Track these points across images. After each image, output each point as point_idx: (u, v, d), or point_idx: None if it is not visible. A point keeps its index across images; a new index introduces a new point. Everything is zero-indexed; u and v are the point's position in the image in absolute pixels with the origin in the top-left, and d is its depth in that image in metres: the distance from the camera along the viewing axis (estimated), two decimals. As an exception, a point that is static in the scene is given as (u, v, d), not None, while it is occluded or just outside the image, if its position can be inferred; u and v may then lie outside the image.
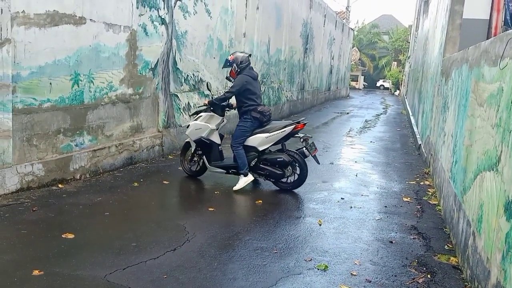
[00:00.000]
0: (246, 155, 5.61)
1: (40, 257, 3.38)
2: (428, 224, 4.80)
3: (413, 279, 3.48)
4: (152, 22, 6.79)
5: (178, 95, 7.83)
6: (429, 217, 5.05)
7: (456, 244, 4.06)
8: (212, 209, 4.84)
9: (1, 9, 4.37)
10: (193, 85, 8.32)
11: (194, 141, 5.82)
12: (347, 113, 17.53)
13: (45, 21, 4.89)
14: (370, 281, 3.39)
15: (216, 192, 5.53)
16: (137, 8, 6.39)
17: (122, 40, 6.16)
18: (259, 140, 5.63)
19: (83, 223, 4.18)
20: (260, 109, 5.62)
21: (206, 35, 8.59)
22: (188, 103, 8.18)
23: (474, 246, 3.32)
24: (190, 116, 6.31)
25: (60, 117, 5.27)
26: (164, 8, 7.05)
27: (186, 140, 6.08)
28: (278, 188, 5.79)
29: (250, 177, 5.62)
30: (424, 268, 3.68)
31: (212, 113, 5.84)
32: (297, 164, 5.69)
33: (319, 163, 6.00)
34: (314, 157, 5.75)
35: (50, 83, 5.06)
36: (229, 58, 5.81)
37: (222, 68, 6.10)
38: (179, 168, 6.62)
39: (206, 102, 6.07)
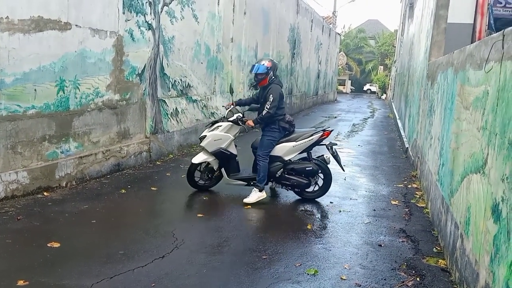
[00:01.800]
0: (270, 166, 5.39)
1: (25, 267, 3.31)
2: (416, 227, 4.82)
3: (403, 282, 3.48)
4: (139, 27, 6.75)
5: (166, 101, 7.79)
6: (417, 220, 5.07)
7: (444, 247, 4.08)
8: (200, 215, 4.81)
9: (-16, 15, 4.30)
10: (180, 90, 8.29)
11: (212, 152, 5.45)
12: (335, 117, 17.62)
13: (29, 27, 4.82)
14: (360, 285, 3.39)
15: (204, 198, 5.49)
16: (124, 13, 6.35)
17: (109, 46, 6.11)
18: (285, 149, 5.45)
19: (69, 231, 4.11)
20: (288, 119, 5.49)
21: (194, 40, 8.57)
22: (176, 108, 8.14)
23: (462, 248, 3.34)
24: (205, 127, 5.85)
25: (45, 124, 5.19)
26: (151, 13, 7.02)
27: (193, 161, 5.57)
28: (268, 194, 5.77)
29: (264, 194, 5.37)
30: (413, 271, 3.69)
31: (231, 123, 5.51)
32: (321, 172, 5.61)
33: (344, 170, 6.01)
34: (340, 164, 5.74)
35: (35, 90, 4.99)
36: (266, 64, 5.34)
37: (257, 73, 5.34)
38: (167, 174, 6.57)
39: (230, 106, 5.68)
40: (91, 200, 5.05)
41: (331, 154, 5.66)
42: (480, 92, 3.24)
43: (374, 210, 5.38)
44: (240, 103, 5.78)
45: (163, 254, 3.73)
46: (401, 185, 6.66)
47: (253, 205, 5.27)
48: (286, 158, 5.47)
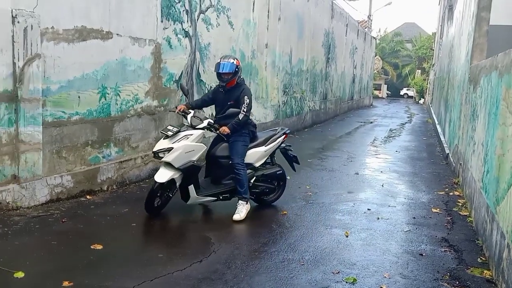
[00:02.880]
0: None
1: (69, 268, 3.42)
2: (460, 236, 4.65)
3: (446, 293, 3.37)
4: (176, 35, 6.89)
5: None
6: (460, 228, 4.90)
7: (489, 257, 3.92)
8: (237, 220, 4.83)
9: (31, 25, 4.50)
10: (216, 96, 8.38)
11: (180, 167, 4.60)
12: (371, 122, 17.33)
13: (73, 36, 5.02)
14: (401, 295, 3.30)
15: (240, 203, 5.51)
16: (162, 21, 6.50)
17: (147, 53, 6.26)
18: (258, 155, 5.09)
19: (111, 234, 4.22)
20: (253, 122, 5.15)
21: (229, 46, 8.66)
22: (212, 114, 8.22)
23: (509, 259, 3.20)
24: (161, 133, 4.83)
25: (88, 130, 5.37)
26: (187, 21, 7.15)
27: (160, 181, 4.58)
28: (303, 200, 5.73)
29: (249, 205, 4.95)
30: (457, 282, 3.56)
31: (202, 131, 4.80)
32: None
33: (295, 171, 5.75)
34: (293, 165, 5.61)
35: (79, 97, 5.17)
36: (235, 62, 4.87)
37: (228, 72, 4.82)
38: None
39: (186, 110, 4.96)
40: (131, 204, 5.17)
41: (288, 155, 5.50)
42: (529, 96, 3.10)
43: (414, 218, 5.24)
44: (193, 105, 5.11)
45: (201, 258, 3.77)
46: (442, 193, 6.46)
47: (290, 211, 5.24)
48: (257, 165, 5.14)
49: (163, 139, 4.68)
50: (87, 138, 5.36)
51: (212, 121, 4.82)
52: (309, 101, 14.43)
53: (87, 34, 5.20)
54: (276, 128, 5.76)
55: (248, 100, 4.83)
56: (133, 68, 6.00)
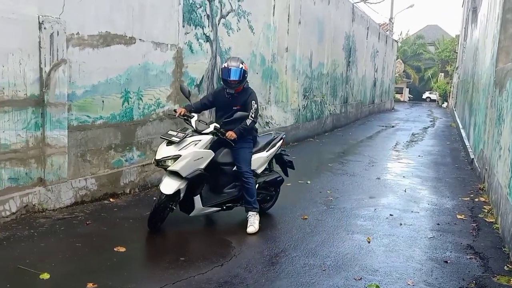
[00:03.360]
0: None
1: (93, 270, 3.47)
2: (485, 243, 4.54)
3: (472, 302, 3.28)
4: (198, 39, 6.96)
5: (223, 111, 7.93)
6: (486, 235, 4.78)
7: (517, 265, 3.81)
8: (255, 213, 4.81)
9: (57, 31, 4.61)
10: (237, 100, 8.41)
11: (188, 176, 4.25)
12: (393, 126, 17.10)
13: (98, 42, 5.12)
14: (425, 303, 3.24)
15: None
16: (183, 26, 6.57)
17: (169, 58, 6.34)
18: (260, 161, 4.86)
19: (134, 236, 4.27)
20: (255, 126, 4.90)
21: (249, 51, 8.69)
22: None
23: (539, 268, 3.10)
24: (162, 138, 4.43)
25: (112, 133, 5.46)
26: (208, 26, 7.21)
27: (167, 192, 4.20)
28: (324, 205, 5.69)
29: (258, 215, 4.69)
30: (484, 291, 3.47)
31: (211, 136, 4.47)
32: None
33: (287, 176, 5.41)
34: (287, 170, 5.39)
35: (103, 101, 5.27)
36: (244, 67, 4.59)
37: (238, 79, 4.54)
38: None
39: (185, 113, 4.56)
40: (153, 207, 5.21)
41: (283, 160, 5.26)
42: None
43: (438, 224, 5.13)
44: (192, 109, 4.73)
45: (222, 262, 3.78)
46: (467, 198, 6.31)
47: (311, 216, 5.21)
48: (259, 171, 4.90)
49: (166, 145, 4.29)
50: (110, 142, 5.45)
51: (218, 126, 4.50)
52: (329, 105, 14.34)
53: (111, 39, 5.29)
54: (271, 132, 5.61)
55: (255, 105, 4.61)
56: (155, 73, 6.08)
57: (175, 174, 4.24)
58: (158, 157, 4.26)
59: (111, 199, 5.36)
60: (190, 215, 4.49)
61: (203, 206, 4.49)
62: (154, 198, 4.29)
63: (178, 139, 4.23)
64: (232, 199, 4.73)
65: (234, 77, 4.53)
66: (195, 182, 4.34)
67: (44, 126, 4.60)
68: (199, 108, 4.85)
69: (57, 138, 4.72)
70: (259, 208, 4.75)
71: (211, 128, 4.46)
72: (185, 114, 4.58)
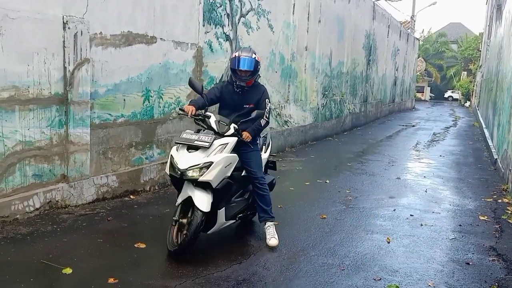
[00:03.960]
0: (248, 187, 4.28)
1: (114, 266, 3.54)
2: (509, 245, 4.45)
3: (495, 305, 3.22)
4: (217, 38, 6.99)
5: (242, 109, 7.95)
6: (509, 237, 4.68)
7: (543, 269, 3.72)
8: (276, 223, 4.81)
9: (81, 31, 4.70)
10: (256, 99, 8.42)
11: (218, 188, 3.72)
12: (413, 126, 16.86)
13: (120, 41, 5.19)
14: (446, 305, 3.19)
15: (279, 206, 5.50)
16: (203, 25, 6.61)
17: (189, 57, 6.38)
18: (263, 164, 4.42)
19: (154, 233, 4.32)
20: None
21: (269, 49, 8.69)
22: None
23: None
24: (178, 143, 3.90)
25: (132, 132, 5.54)
26: (228, 25, 7.23)
27: (206, 210, 3.64)
28: (343, 205, 5.66)
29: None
30: (507, 293, 3.40)
31: (236, 138, 3.94)
32: None
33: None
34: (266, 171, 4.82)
35: (124, 100, 5.34)
36: (257, 57, 4.10)
37: (250, 70, 4.05)
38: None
39: (198, 112, 3.99)
40: (172, 205, 5.19)
41: (268, 160, 4.70)
42: None
43: (460, 225, 5.05)
44: (199, 105, 4.11)
45: (241, 260, 3.80)
46: (490, 199, 6.19)
47: (329, 215, 5.18)
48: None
49: (188, 151, 3.72)
50: (131, 140, 5.53)
51: (236, 126, 3.97)
52: (349, 103, 14.23)
53: (133, 39, 5.36)
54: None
55: (269, 105, 4.19)
56: (176, 72, 6.13)
57: (201, 185, 3.66)
58: (183, 166, 3.61)
59: (131, 196, 5.44)
60: (208, 232, 3.92)
61: (226, 220, 4.00)
62: (175, 218, 3.74)
63: (207, 144, 3.69)
64: (244, 208, 4.28)
65: (246, 66, 4.01)
66: (223, 193, 3.81)
67: (68, 124, 4.69)
68: (208, 105, 4.16)
69: (80, 136, 4.81)
70: (246, 217, 4.45)
71: (232, 129, 3.94)
72: (198, 113, 3.97)
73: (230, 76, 4.19)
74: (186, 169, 3.62)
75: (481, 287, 3.51)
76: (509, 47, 9.56)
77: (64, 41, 4.58)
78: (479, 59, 30.05)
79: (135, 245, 3.94)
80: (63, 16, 4.54)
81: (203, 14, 6.57)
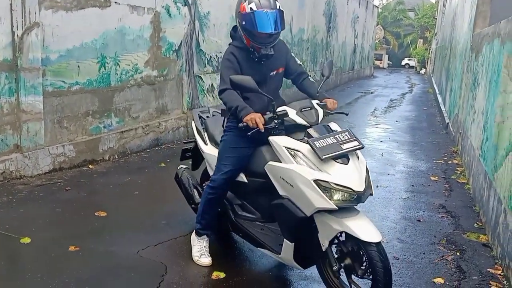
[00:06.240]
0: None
1: (75, 234, 3.50)
2: (457, 202, 4.73)
3: (442, 256, 3.46)
4: (175, 3, 6.79)
5: (202, 77, 7.85)
6: (458, 195, 4.98)
7: (486, 222, 4.00)
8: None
9: (29, -6, 4.44)
10: (216, 66, 8.32)
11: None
12: (372, 93, 17.25)
13: (71, 5, 4.95)
14: (398, 259, 3.39)
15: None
16: (160, -11, 6.39)
17: (146, 22, 6.19)
18: None
19: (114, 202, 4.29)
20: None
21: (229, 15, 8.52)
22: (212, 84, 8.20)
23: (505, 223, 3.27)
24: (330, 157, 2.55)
25: (89, 100, 5.37)
26: (186, -11, 7.02)
27: (375, 241, 2.54)
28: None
29: None
30: (453, 246, 3.65)
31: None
32: None
33: None
34: None
35: (78, 66, 5.15)
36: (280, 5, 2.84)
37: (274, 33, 2.83)
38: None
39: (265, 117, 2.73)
40: (132, 173, 5.23)
41: None
42: (530, 62, 3.09)
43: (413, 185, 5.31)
44: (255, 108, 2.83)
45: (203, 224, 3.84)
46: (441, 161, 6.52)
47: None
48: None
49: (342, 164, 2.55)
50: (87, 108, 5.37)
51: (318, 101, 2.96)
52: (309, 71, 14.32)
53: (85, 2, 5.13)
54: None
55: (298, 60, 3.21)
56: (132, 38, 5.94)
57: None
58: (358, 188, 2.51)
59: (90, 166, 5.33)
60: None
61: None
62: (335, 267, 2.63)
63: (358, 144, 2.67)
64: None
65: (280, 26, 2.78)
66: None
67: (19, 92, 4.50)
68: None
69: (32, 104, 4.63)
70: None
71: (321, 111, 2.86)
72: (271, 117, 2.74)
73: (238, 39, 2.90)
74: (365, 189, 2.56)
75: (431, 241, 3.75)
76: (462, 14, 9.86)
77: (11, 4, 4.32)
78: (435, 27, 30.80)
79: (96, 214, 3.91)
80: (7, -24, 4.26)
81: (160, -23, 6.33)
